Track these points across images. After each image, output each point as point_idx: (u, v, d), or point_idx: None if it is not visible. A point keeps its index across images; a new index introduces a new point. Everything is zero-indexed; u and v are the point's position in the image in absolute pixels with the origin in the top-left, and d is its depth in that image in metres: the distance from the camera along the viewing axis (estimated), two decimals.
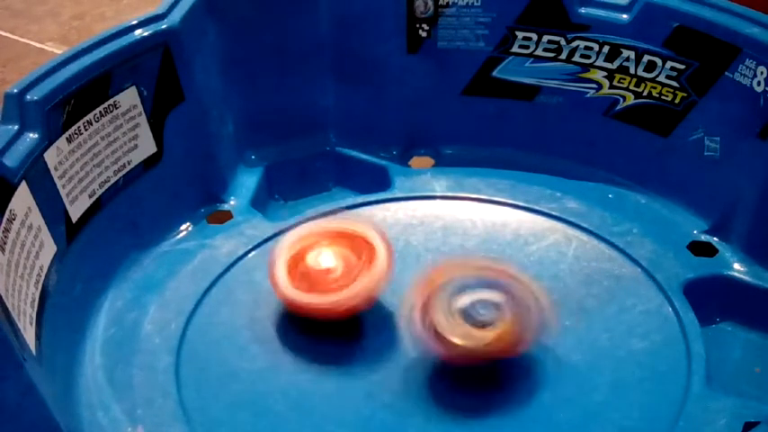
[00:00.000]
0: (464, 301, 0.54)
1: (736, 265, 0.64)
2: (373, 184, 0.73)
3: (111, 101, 0.61)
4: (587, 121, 0.71)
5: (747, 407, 0.54)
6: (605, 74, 0.69)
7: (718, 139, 0.66)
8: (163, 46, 0.64)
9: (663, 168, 0.69)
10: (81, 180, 0.60)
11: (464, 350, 0.53)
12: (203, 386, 0.56)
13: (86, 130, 0.60)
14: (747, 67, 0.62)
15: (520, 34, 0.70)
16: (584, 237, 0.67)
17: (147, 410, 0.54)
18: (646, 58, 0.67)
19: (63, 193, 0.58)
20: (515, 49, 0.71)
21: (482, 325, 0.53)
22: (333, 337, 0.59)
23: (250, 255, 0.65)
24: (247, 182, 0.72)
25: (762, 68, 0.61)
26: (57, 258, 0.57)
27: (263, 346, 0.59)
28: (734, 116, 0.64)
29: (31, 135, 0.55)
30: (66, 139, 0.58)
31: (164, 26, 0.64)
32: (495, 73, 0.72)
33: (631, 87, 0.69)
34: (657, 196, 0.70)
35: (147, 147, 0.65)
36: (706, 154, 0.67)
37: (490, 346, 0.53)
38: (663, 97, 0.68)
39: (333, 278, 0.57)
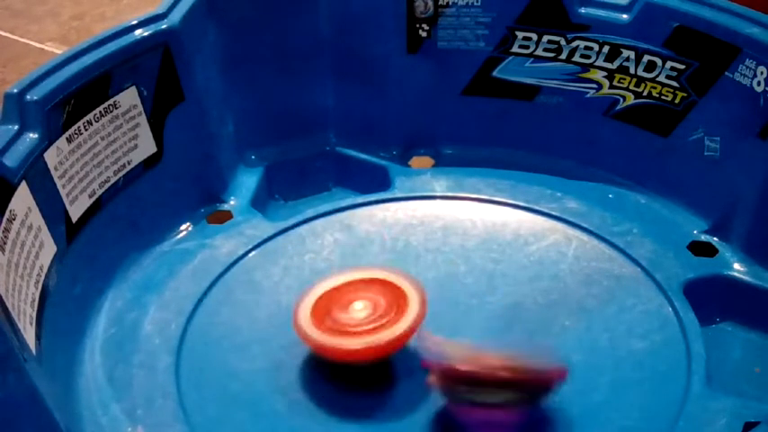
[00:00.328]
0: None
1: (737, 265, 0.64)
2: (373, 184, 0.73)
3: (111, 101, 0.61)
4: (587, 121, 0.71)
5: (747, 407, 0.54)
6: (605, 74, 0.69)
7: (719, 139, 0.66)
8: (163, 46, 0.64)
9: (663, 168, 0.69)
10: (81, 180, 0.60)
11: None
12: (203, 386, 0.56)
13: (86, 130, 0.60)
14: (747, 67, 0.62)
15: (520, 34, 0.70)
16: (584, 237, 0.67)
17: (147, 410, 0.54)
18: (646, 58, 0.67)
19: (63, 193, 0.58)
20: (515, 49, 0.71)
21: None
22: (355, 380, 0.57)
23: (250, 255, 0.65)
24: (247, 182, 0.72)
25: (762, 68, 0.61)
26: (57, 258, 0.57)
27: (263, 346, 0.59)
28: (734, 116, 0.64)
29: (31, 135, 0.55)
30: (66, 139, 0.58)
31: (164, 26, 0.64)
32: (495, 73, 0.72)
33: (631, 87, 0.69)
34: (657, 196, 0.70)
35: (147, 147, 0.65)
36: (706, 154, 0.67)
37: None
38: (663, 97, 0.68)
39: (362, 323, 0.55)
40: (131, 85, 0.63)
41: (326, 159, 0.76)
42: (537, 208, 0.69)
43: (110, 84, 0.61)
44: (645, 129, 0.69)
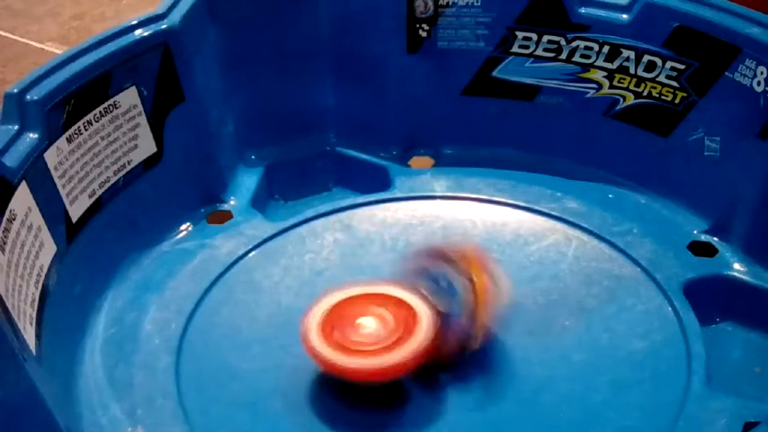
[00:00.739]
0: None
1: (737, 265, 0.64)
2: (373, 184, 0.73)
3: (111, 101, 0.61)
4: (587, 121, 0.71)
5: (747, 407, 0.54)
6: (605, 74, 0.69)
7: (719, 139, 0.66)
8: (163, 46, 0.64)
9: (663, 168, 0.69)
10: (81, 180, 0.60)
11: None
12: (203, 386, 0.56)
13: (86, 130, 0.60)
14: (747, 67, 0.62)
15: (520, 34, 0.70)
16: (584, 237, 0.67)
17: (147, 410, 0.54)
18: (646, 58, 0.67)
19: (63, 193, 0.58)
20: (515, 49, 0.71)
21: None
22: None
23: (250, 255, 0.65)
24: (247, 182, 0.72)
25: (762, 68, 0.61)
26: (57, 258, 0.57)
27: (263, 346, 0.59)
28: (734, 116, 0.64)
29: (31, 135, 0.55)
30: (66, 139, 0.58)
31: (164, 26, 0.64)
32: (495, 73, 0.72)
33: (631, 87, 0.69)
34: (657, 196, 0.70)
35: (147, 147, 0.65)
36: (706, 154, 0.67)
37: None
38: (663, 97, 0.68)
39: (372, 342, 0.54)
40: (131, 85, 0.63)
41: (326, 159, 0.76)
42: (537, 208, 0.69)
43: (110, 84, 0.61)
44: (645, 129, 0.69)
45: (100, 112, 0.61)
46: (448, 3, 0.71)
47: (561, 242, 0.66)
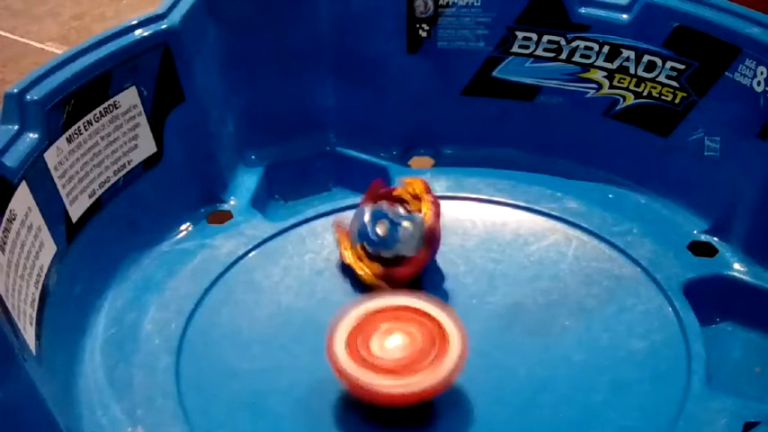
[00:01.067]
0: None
1: (737, 265, 0.64)
2: None
3: (111, 101, 0.61)
4: (587, 121, 0.71)
5: (747, 407, 0.54)
6: (605, 74, 0.69)
7: (719, 139, 0.66)
8: (163, 46, 0.64)
9: (663, 168, 0.69)
10: (81, 180, 0.60)
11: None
12: (203, 386, 0.56)
13: (86, 130, 0.60)
14: (747, 67, 0.62)
15: (520, 34, 0.70)
16: (584, 237, 0.67)
17: (147, 410, 0.54)
18: (646, 58, 0.67)
19: (63, 193, 0.58)
20: (515, 49, 0.71)
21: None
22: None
23: (250, 255, 0.65)
24: (247, 182, 0.72)
25: (762, 68, 0.61)
26: (57, 258, 0.57)
27: (263, 346, 0.59)
28: (734, 116, 0.64)
29: (31, 135, 0.55)
30: (66, 139, 0.58)
31: (164, 26, 0.64)
32: (495, 73, 0.72)
33: (631, 87, 0.69)
34: (657, 196, 0.70)
35: (147, 147, 0.65)
36: (706, 154, 0.67)
37: None
38: (663, 97, 0.68)
39: (400, 360, 0.52)
40: (131, 85, 0.63)
41: (326, 159, 0.76)
42: (537, 208, 0.69)
43: (110, 84, 0.61)
44: (645, 129, 0.69)
45: (100, 112, 0.61)
46: (448, 3, 0.71)
47: (561, 242, 0.66)
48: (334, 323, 0.55)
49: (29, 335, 0.51)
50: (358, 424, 0.54)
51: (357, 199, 0.70)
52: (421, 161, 0.76)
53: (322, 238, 0.67)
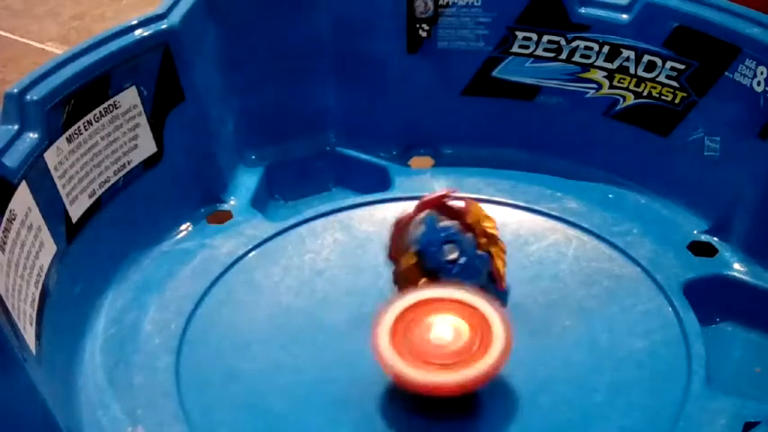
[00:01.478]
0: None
1: (736, 265, 0.64)
2: (373, 184, 0.73)
3: (111, 101, 0.61)
4: (587, 121, 0.71)
5: (747, 407, 0.54)
6: (605, 74, 0.69)
7: (719, 138, 0.66)
8: (163, 46, 0.64)
9: (663, 168, 0.69)
10: (81, 180, 0.60)
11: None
12: (203, 386, 0.56)
13: (86, 130, 0.60)
14: (747, 67, 0.62)
15: (520, 34, 0.70)
16: (584, 237, 0.67)
17: (148, 410, 0.54)
18: (646, 58, 0.67)
19: (63, 193, 0.58)
20: (515, 49, 0.71)
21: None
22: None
23: (250, 255, 0.65)
24: (247, 182, 0.72)
25: (762, 68, 0.61)
26: (57, 258, 0.57)
27: (263, 346, 0.59)
28: (734, 116, 0.64)
29: (31, 135, 0.55)
30: (67, 139, 0.58)
31: (164, 26, 0.64)
32: (495, 73, 0.72)
33: (631, 87, 0.69)
34: (657, 196, 0.70)
35: (147, 147, 0.65)
36: (706, 154, 0.67)
37: None
38: (663, 97, 0.68)
39: (447, 353, 0.52)
40: (131, 85, 0.63)
41: (326, 159, 0.76)
42: (537, 208, 0.69)
43: (110, 84, 0.61)
44: (645, 129, 0.69)
45: (100, 112, 0.61)
46: (448, 3, 0.71)
47: (561, 242, 0.66)
48: (378, 316, 0.54)
49: (29, 335, 0.51)
50: (356, 424, 0.54)
51: (357, 199, 0.70)
52: (421, 161, 0.76)
53: (322, 238, 0.67)
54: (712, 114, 0.65)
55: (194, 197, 0.70)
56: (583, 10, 0.68)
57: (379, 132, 0.75)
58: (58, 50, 1.15)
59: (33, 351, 0.51)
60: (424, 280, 0.59)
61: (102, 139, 0.61)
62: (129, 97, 0.63)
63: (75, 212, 0.59)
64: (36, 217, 0.54)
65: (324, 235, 0.67)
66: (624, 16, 0.67)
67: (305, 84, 0.74)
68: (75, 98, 0.58)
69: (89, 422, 0.54)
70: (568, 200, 0.70)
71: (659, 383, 0.56)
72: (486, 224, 0.60)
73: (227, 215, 0.70)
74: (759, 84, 0.61)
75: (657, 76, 0.67)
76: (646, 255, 0.64)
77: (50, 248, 0.56)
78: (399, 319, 0.54)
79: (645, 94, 0.68)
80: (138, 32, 0.63)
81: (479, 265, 0.59)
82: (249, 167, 0.74)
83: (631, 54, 0.68)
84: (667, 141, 0.69)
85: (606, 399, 0.55)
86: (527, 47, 0.71)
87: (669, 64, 0.66)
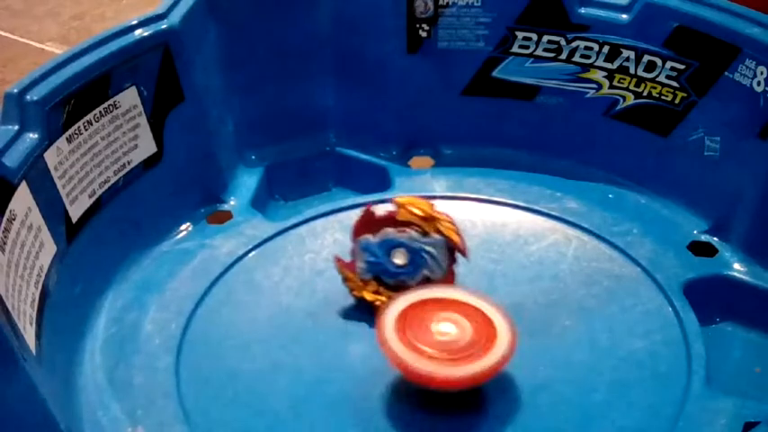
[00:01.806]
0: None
1: (737, 265, 0.64)
2: (373, 184, 0.73)
3: (111, 101, 0.61)
4: (587, 121, 0.71)
5: (747, 407, 0.54)
6: (605, 74, 0.69)
7: (719, 138, 0.66)
8: (163, 46, 0.64)
9: (663, 168, 0.69)
10: (81, 180, 0.60)
11: None
12: (203, 386, 0.56)
13: (86, 130, 0.60)
14: (747, 67, 0.62)
15: (520, 34, 0.70)
16: (584, 237, 0.67)
17: (148, 410, 0.54)
18: (646, 58, 0.67)
19: (63, 193, 0.58)
20: (515, 49, 0.71)
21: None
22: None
23: (250, 255, 0.65)
24: (247, 182, 0.72)
25: (762, 68, 0.61)
26: (57, 258, 0.57)
27: (263, 346, 0.59)
28: (734, 116, 0.64)
29: (31, 135, 0.55)
30: (66, 139, 0.58)
31: (164, 26, 0.64)
32: (495, 73, 0.72)
33: (631, 87, 0.69)
34: (657, 196, 0.70)
35: (147, 147, 0.65)
36: (706, 154, 0.67)
37: None
38: (663, 97, 0.68)
39: (454, 348, 0.53)
40: (131, 85, 0.63)
41: (326, 159, 0.76)
42: (537, 208, 0.69)
43: (110, 84, 0.61)
44: (645, 129, 0.69)
45: (100, 112, 0.61)
46: (448, 3, 0.71)
47: (561, 242, 0.66)
48: (382, 313, 0.55)
49: (29, 335, 0.51)
50: (356, 424, 0.54)
51: (357, 199, 0.70)
52: (421, 161, 0.76)
53: (322, 239, 0.67)
54: (712, 114, 0.65)
55: (194, 197, 0.70)
56: (583, 10, 0.68)
57: (379, 132, 0.75)
58: (57, 50, 1.15)
59: (33, 351, 0.51)
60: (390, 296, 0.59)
61: (103, 139, 0.61)
62: (130, 97, 0.63)
63: (76, 212, 0.59)
64: (36, 217, 0.54)
65: (324, 235, 0.67)
66: (624, 16, 0.67)
67: (305, 84, 0.74)
68: (75, 98, 0.58)
69: (89, 422, 0.54)
70: (568, 200, 0.70)
71: (659, 383, 0.56)
72: (416, 209, 0.60)
73: (228, 215, 0.70)
74: (759, 84, 0.61)
75: (657, 76, 0.67)
76: (646, 255, 0.64)
77: (50, 248, 0.56)
78: (402, 316, 0.55)
79: (645, 94, 0.68)
80: (138, 32, 0.63)
81: (433, 252, 0.59)
82: (249, 167, 0.74)
83: (631, 54, 0.68)
84: (667, 141, 0.69)
85: (606, 398, 0.55)
86: (527, 47, 0.71)
87: (669, 64, 0.66)
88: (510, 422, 0.54)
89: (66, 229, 0.58)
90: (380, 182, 0.73)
